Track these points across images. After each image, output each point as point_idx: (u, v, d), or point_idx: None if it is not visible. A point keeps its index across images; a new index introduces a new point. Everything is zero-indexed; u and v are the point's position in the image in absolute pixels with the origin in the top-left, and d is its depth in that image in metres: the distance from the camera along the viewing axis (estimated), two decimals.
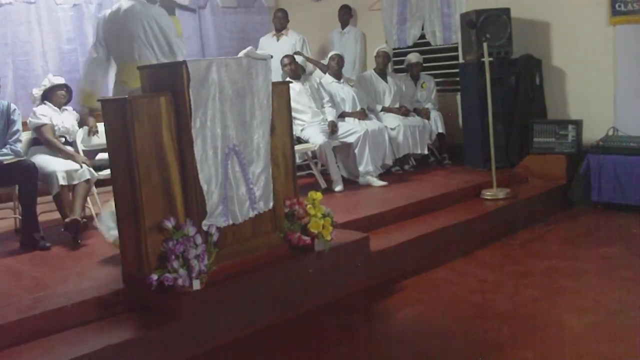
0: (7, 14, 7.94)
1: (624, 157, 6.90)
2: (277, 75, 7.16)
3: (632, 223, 6.53)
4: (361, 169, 7.27)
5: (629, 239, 6.08)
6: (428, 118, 8.21)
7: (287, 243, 4.70)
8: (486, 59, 6.91)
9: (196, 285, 4.04)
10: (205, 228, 4.19)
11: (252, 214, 4.48)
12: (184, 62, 4.13)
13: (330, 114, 7.40)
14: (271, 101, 4.58)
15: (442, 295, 4.94)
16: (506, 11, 7.81)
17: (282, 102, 4.76)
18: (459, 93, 8.69)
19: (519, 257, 5.77)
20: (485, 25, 7.53)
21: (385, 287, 5.06)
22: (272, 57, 4.73)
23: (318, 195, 4.86)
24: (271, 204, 4.59)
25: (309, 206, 4.80)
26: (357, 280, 4.98)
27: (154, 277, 3.95)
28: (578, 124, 7.58)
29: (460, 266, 5.52)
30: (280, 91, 4.77)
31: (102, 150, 6.31)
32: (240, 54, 4.53)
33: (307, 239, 4.69)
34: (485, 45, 6.94)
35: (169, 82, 4.21)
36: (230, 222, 4.35)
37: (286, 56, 7.53)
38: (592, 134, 7.53)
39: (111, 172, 4.29)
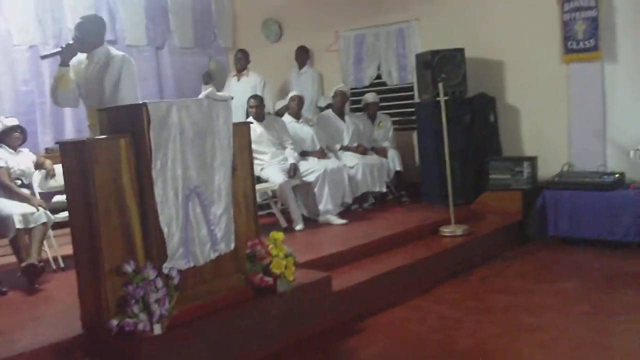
0: None
1: (580, 192, 7.05)
2: (236, 114, 7.17)
3: (588, 257, 6.66)
4: (321, 207, 7.29)
5: (585, 273, 6.20)
6: (385, 156, 8.28)
7: (249, 284, 4.67)
8: (442, 98, 7.02)
9: (157, 329, 3.98)
10: (165, 271, 4.15)
11: (213, 256, 4.44)
12: (144, 104, 4.12)
13: (292, 157, 7.41)
14: (232, 142, 4.59)
15: (404, 333, 4.94)
16: (460, 51, 7.97)
17: (242, 142, 4.77)
18: (415, 131, 8.83)
19: (479, 293, 5.82)
20: (440, 65, 7.68)
21: (348, 326, 5.04)
22: (232, 98, 4.74)
23: (280, 235, 4.85)
24: (232, 245, 4.57)
25: (270, 246, 4.78)
26: (320, 320, 4.95)
27: (114, 322, 3.88)
28: (533, 161, 7.73)
29: (420, 304, 5.54)
30: (241, 132, 4.78)
31: (59, 193, 6.24)
32: (201, 95, 4.54)
33: (269, 279, 4.66)
34: (440, 85, 7.06)
35: (129, 123, 4.19)
36: (192, 264, 4.31)
37: (254, 97, 7.56)
38: (547, 169, 7.69)
39: (69, 215, 4.24)
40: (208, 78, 9.38)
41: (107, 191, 4.02)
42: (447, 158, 7.01)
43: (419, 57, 8.17)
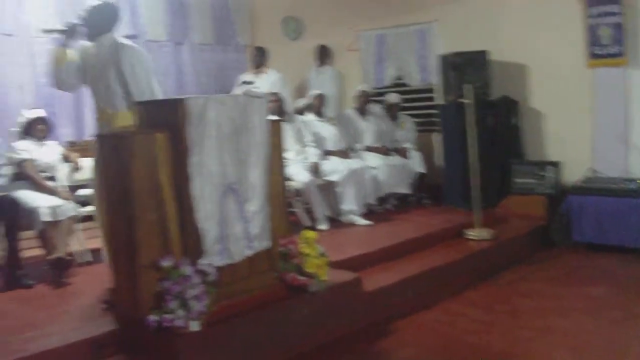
0: None
1: (605, 198, 6.99)
2: None
3: (614, 263, 6.62)
4: (344, 207, 7.24)
5: (612, 279, 6.15)
6: (407, 157, 8.24)
7: (282, 283, 4.63)
8: (468, 101, 6.98)
9: (194, 326, 3.94)
10: (202, 267, 4.12)
11: (248, 253, 4.41)
12: (182, 99, 4.10)
13: (314, 155, 7.38)
14: (267, 139, 4.55)
15: (435, 336, 4.91)
16: (484, 54, 7.93)
17: (276, 139, 4.73)
18: (434, 133, 8.80)
19: (507, 297, 5.79)
20: (464, 68, 7.63)
21: (379, 328, 5.01)
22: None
23: (312, 234, 4.82)
24: (268, 243, 4.53)
25: (302, 245, 4.75)
26: (351, 321, 4.91)
27: (153, 318, 3.85)
28: (557, 165, 7.68)
29: (451, 306, 5.52)
30: (274, 129, 4.73)
31: (84, 186, 6.21)
32: (237, 92, 4.51)
33: (302, 279, 4.63)
34: (467, 87, 7.02)
35: (166, 118, 4.16)
36: (227, 261, 4.28)
37: (273, 94, 7.51)
38: (570, 174, 7.65)
39: (106, 209, 4.20)
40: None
41: (145, 186, 4.00)
42: (472, 161, 6.97)
43: (443, 58, 8.13)
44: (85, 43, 4.97)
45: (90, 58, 4.90)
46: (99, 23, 4.89)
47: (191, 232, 4.14)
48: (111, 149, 4.07)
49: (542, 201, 7.55)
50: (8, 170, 5.95)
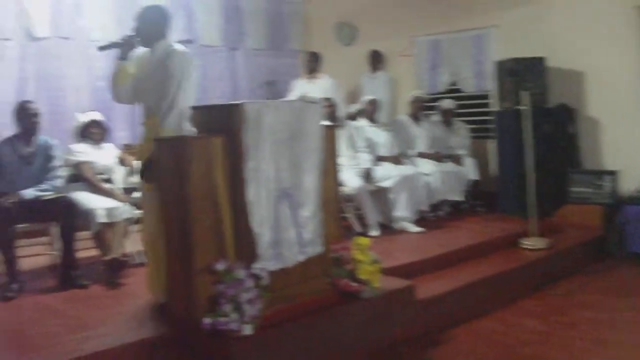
0: (43, 48, 7.96)
1: None
2: None
3: None
4: (397, 214, 7.20)
5: None
6: (461, 164, 8.16)
7: (334, 289, 4.61)
8: (526, 107, 6.89)
9: (247, 330, 3.95)
10: (255, 271, 4.12)
11: (301, 258, 4.42)
12: (239, 104, 4.11)
13: (366, 161, 7.35)
14: (321, 145, 4.55)
15: (491, 346, 4.83)
16: (541, 60, 7.80)
17: (330, 145, 4.72)
18: (489, 140, 8.70)
19: (563, 307, 5.68)
20: (521, 74, 7.52)
21: (432, 336, 4.95)
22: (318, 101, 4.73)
23: (365, 240, 4.80)
24: (320, 248, 4.53)
25: (355, 251, 4.72)
26: (404, 329, 4.87)
27: (207, 320, 3.87)
28: (614, 175, 7.52)
29: (505, 316, 5.43)
30: (329, 134, 4.73)
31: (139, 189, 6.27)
32: (293, 98, 4.52)
33: (355, 285, 4.60)
34: (524, 93, 6.93)
35: (223, 123, 4.19)
36: (280, 265, 4.29)
37: (326, 99, 7.51)
38: (627, 184, 7.49)
39: (162, 212, 4.23)
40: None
41: (202, 190, 4.03)
42: (529, 168, 6.87)
43: (499, 64, 8.02)
44: (140, 51, 4.88)
45: (144, 65, 4.83)
46: (150, 29, 4.77)
47: (245, 236, 4.15)
48: (169, 153, 4.10)
49: (599, 211, 7.38)
50: (65, 172, 6.05)
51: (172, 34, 5.04)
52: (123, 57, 4.80)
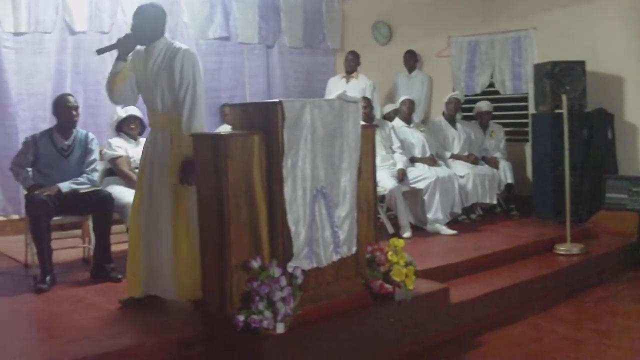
0: (80, 42, 8.03)
1: None
2: None
3: None
4: (430, 216, 7.16)
5: None
6: (496, 167, 8.09)
7: (368, 290, 4.59)
8: (565, 111, 6.81)
9: (280, 328, 3.95)
10: (290, 270, 4.12)
11: (335, 258, 4.39)
12: (280, 102, 4.11)
13: (400, 161, 7.32)
14: (360, 144, 4.53)
15: (523, 352, 4.79)
16: (581, 64, 7.70)
17: (368, 145, 4.70)
18: (526, 143, 8.62)
19: (596, 314, 5.61)
20: (560, 77, 7.43)
21: (465, 340, 4.93)
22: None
23: (400, 242, 4.76)
24: (354, 249, 4.50)
25: (390, 253, 4.70)
26: (436, 332, 4.84)
27: (241, 318, 3.87)
28: None
29: (538, 322, 5.38)
30: (367, 134, 4.71)
31: None
32: (333, 97, 4.51)
33: (389, 287, 4.58)
34: (564, 97, 6.86)
35: (262, 120, 4.18)
36: (315, 265, 4.27)
37: (363, 99, 7.48)
38: None
39: (198, 208, 4.24)
40: None
41: (238, 187, 4.02)
42: (566, 173, 6.80)
43: (538, 67, 7.94)
44: (136, 50, 4.79)
45: (142, 64, 4.74)
46: (147, 28, 4.65)
47: (280, 234, 4.14)
48: (208, 149, 4.11)
49: (634, 218, 7.26)
50: (102, 166, 6.09)
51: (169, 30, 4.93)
52: (121, 58, 4.73)
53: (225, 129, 7.33)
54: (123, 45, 4.70)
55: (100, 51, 4.95)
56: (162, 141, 4.67)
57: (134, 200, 4.83)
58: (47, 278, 5.27)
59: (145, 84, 4.73)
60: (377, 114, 8.34)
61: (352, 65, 8.93)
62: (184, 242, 4.59)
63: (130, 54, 4.76)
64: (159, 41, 4.69)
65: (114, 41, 4.85)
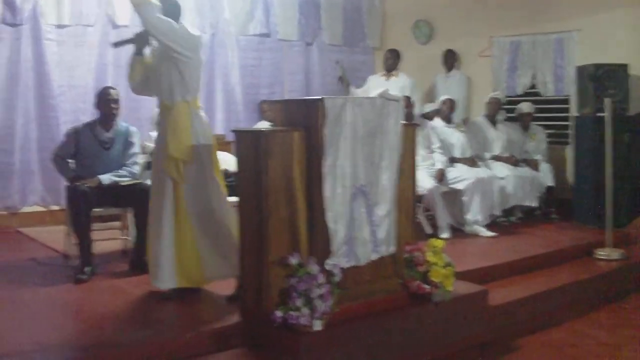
0: (122, 36, 7.97)
1: None
2: None
3: None
4: (469, 217, 7.11)
5: None
6: (537, 169, 8.00)
7: (406, 290, 4.56)
8: (608, 114, 6.72)
9: (317, 325, 3.94)
10: (328, 267, 4.10)
11: (373, 257, 4.37)
12: (321, 99, 4.09)
13: (440, 162, 7.27)
14: (400, 143, 4.50)
15: (561, 356, 4.77)
16: (624, 67, 7.60)
17: (409, 144, 4.67)
18: (567, 146, 8.52)
19: (634, 320, 5.57)
20: (603, 80, 7.33)
21: (501, 344, 4.88)
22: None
23: (439, 242, 4.72)
24: (393, 248, 4.48)
25: (429, 253, 4.66)
26: (474, 335, 4.78)
27: (279, 314, 3.87)
28: None
29: (576, 327, 5.36)
30: (408, 133, 4.67)
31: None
32: (374, 94, 4.49)
33: (427, 287, 4.54)
34: (607, 100, 6.75)
35: (303, 117, 4.18)
36: (353, 263, 4.26)
37: (404, 97, 7.44)
38: None
39: (239, 203, 4.25)
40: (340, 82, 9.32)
41: (278, 183, 4.03)
42: (607, 177, 6.70)
43: (581, 69, 7.84)
44: (157, 46, 4.85)
45: (155, 57, 4.87)
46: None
47: (319, 232, 4.13)
48: (249, 144, 4.11)
49: None
50: (143, 159, 6.13)
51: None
52: (138, 53, 4.84)
53: (264, 125, 7.36)
54: (139, 40, 4.83)
55: (117, 44, 5.13)
56: (164, 132, 4.72)
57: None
58: (87, 269, 5.32)
59: (156, 73, 4.78)
60: (417, 113, 8.29)
61: (392, 63, 8.87)
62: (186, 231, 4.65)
63: (150, 48, 4.85)
64: None
65: None
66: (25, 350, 3.76)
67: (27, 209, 7.71)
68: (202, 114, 4.80)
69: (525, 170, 7.90)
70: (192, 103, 4.71)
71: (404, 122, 4.64)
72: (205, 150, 4.68)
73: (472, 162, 7.54)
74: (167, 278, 4.66)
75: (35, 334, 4.03)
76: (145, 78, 4.90)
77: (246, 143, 4.14)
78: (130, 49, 4.98)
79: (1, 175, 7.51)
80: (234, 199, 4.48)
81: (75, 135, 5.71)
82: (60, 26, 7.71)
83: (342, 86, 8.72)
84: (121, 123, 5.90)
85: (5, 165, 7.50)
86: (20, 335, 4.01)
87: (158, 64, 4.74)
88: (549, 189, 8.08)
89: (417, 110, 8.26)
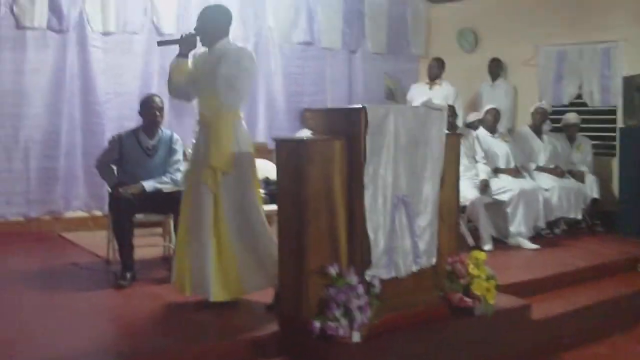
0: None
1: None
2: None
3: None
4: (512, 229, 7.00)
5: None
6: (583, 181, 7.86)
7: (446, 302, 4.50)
8: None
9: (356, 337, 3.90)
10: (368, 278, 4.07)
11: (414, 269, 4.33)
12: (363, 107, 4.07)
13: (484, 172, 7.19)
14: (443, 153, 4.44)
15: None
16: None
17: (452, 154, 4.62)
18: (613, 158, 8.36)
19: None
20: None
21: (544, 358, 4.77)
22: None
23: (482, 255, 4.66)
24: (434, 260, 4.42)
25: (471, 266, 4.59)
26: (516, 349, 4.68)
27: (317, 324, 3.84)
28: None
29: (619, 342, 5.25)
30: (452, 143, 4.62)
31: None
32: (417, 103, 4.44)
33: (468, 300, 4.47)
34: None
35: (344, 126, 4.15)
36: (393, 274, 4.21)
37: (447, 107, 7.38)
38: None
39: (279, 211, 4.24)
40: (390, 96, 9.27)
41: (318, 192, 4.01)
42: None
43: (627, 80, 7.71)
44: (200, 50, 4.83)
45: (201, 65, 4.74)
46: (210, 29, 4.66)
47: (359, 242, 4.11)
48: (289, 153, 4.10)
49: None
50: (185, 167, 6.15)
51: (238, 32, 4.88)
52: (183, 54, 4.77)
53: (305, 133, 7.35)
54: (185, 43, 4.75)
55: (161, 43, 5.15)
56: (204, 142, 4.64)
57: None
58: (128, 275, 5.35)
59: (201, 83, 4.68)
60: (460, 123, 8.20)
61: (436, 72, 8.81)
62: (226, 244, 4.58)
63: (194, 53, 4.81)
64: (220, 42, 4.67)
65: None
66: (62, 355, 3.79)
67: (70, 214, 7.80)
68: (244, 123, 4.78)
69: (571, 182, 7.77)
70: (235, 113, 4.69)
71: (448, 131, 4.59)
72: (246, 161, 4.61)
73: (516, 172, 7.44)
74: (217, 290, 4.58)
75: (72, 339, 4.07)
76: (189, 82, 4.77)
77: (287, 151, 4.14)
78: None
79: (46, 180, 7.59)
80: (274, 207, 4.46)
81: (119, 142, 5.76)
82: (105, 33, 7.80)
83: (392, 100, 8.67)
84: (165, 130, 5.94)
85: (49, 170, 7.60)
86: (58, 340, 4.04)
87: (208, 72, 4.62)
88: (594, 201, 7.94)
89: (460, 119, 8.18)
